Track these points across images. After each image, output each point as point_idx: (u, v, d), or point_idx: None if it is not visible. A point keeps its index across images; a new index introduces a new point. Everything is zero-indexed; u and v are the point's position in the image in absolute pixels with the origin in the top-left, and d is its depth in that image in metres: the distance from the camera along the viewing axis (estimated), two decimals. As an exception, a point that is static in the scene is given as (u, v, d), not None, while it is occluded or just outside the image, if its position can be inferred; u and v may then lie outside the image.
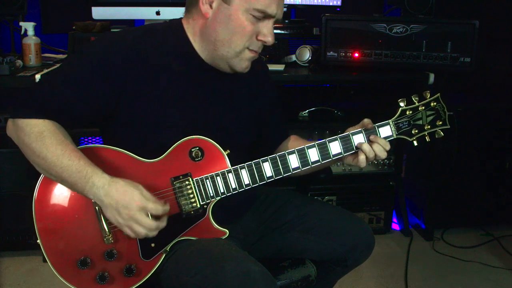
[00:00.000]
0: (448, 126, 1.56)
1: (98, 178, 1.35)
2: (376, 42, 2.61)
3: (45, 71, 2.46)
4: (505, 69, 3.05)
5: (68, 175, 1.36)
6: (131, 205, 1.33)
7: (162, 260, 1.45)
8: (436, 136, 1.55)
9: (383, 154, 1.51)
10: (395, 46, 2.59)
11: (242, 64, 1.48)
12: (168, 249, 1.45)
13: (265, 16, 1.42)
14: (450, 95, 2.92)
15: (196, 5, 1.46)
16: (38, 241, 1.43)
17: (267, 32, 1.44)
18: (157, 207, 1.35)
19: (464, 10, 2.98)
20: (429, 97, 1.54)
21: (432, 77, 2.68)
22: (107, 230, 1.41)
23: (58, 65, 2.64)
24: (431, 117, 1.55)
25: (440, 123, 1.55)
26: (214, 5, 1.42)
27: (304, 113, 2.93)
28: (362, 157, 1.50)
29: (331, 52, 2.63)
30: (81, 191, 1.38)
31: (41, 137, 1.36)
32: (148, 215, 1.35)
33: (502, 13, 3.07)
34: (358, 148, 1.51)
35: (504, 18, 3.07)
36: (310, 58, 2.72)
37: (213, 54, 1.47)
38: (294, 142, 1.76)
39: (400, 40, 2.59)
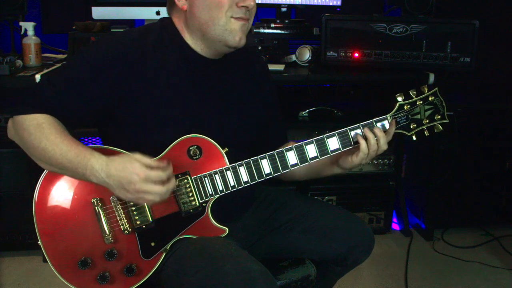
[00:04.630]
0: (447, 120, 1.56)
1: (96, 160, 1.35)
2: (376, 42, 2.61)
3: (45, 71, 2.46)
4: (505, 69, 3.05)
5: (68, 161, 1.36)
6: (133, 179, 1.32)
7: (163, 259, 1.46)
8: (435, 131, 1.55)
9: (383, 141, 1.50)
10: (395, 46, 2.59)
11: (235, 36, 1.47)
12: (168, 248, 1.45)
13: None
14: (450, 95, 2.92)
15: (173, 3, 1.49)
16: (39, 242, 1.43)
17: None
18: (159, 174, 1.34)
19: (464, 10, 2.98)
20: (427, 92, 1.55)
21: (432, 77, 2.67)
22: (107, 230, 1.42)
23: (58, 65, 2.65)
24: (429, 112, 1.55)
25: (439, 117, 1.55)
26: None
27: (304, 113, 2.93)
28: (362, 143, 1.49)
29: (331, 52, 2.63)
30: (82, 177, 1.38)
31: (40, 128, 1.37)
32: (156, 182, 1.34)
33: (502, 13, 3.07)
34: (357, 140, 1.50)
35: (504, 18, 3.07)
36: (310, 58, 2.72)
37: (205, 40, 1.49)
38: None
39: (400, 40, 2.59)
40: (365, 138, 1.50)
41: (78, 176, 1.40)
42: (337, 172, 1.62)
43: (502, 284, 2.60)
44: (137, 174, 1.32)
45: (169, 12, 1.55)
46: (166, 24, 1.54)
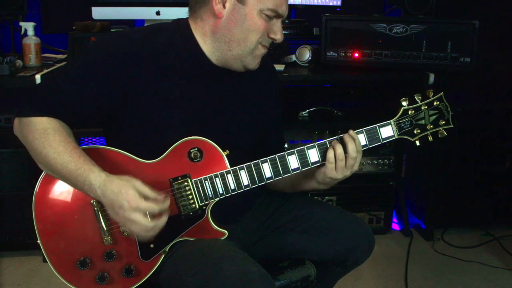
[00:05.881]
0: (452, 126, 1.54)
1: (95, 177, 1.34)
2: (376, 42, 2.60)
3: (45, 71, 2.46)
4: (505, 69, 3.05)
5: (68, 172, 1.36)
6: (123, 205, 1.31)
7: (161, 261, 1.46)
8: (439, 136, 1.54)
9: (353, 153, 1.46)
10: (395, 46, 2.59)
11: (255, 60, 1.50)
12: (167, 250, 1.45)
13: (276, 15, 1.46)
14: (450, 95, 2.92)
15: (205, 5, 1.45)
16: (38, 241, 1.44)
17: (277, 30, 1.48)
18: (151, 206, 1.33)
19: (464, 10, 2.98)
20: (432, 96, 1.53)
21: (432, 77, 2.67)
22: (106, 231, 1.42)
23: (58, 65, 2.64)
24: (434, 117, 1.53)
25: (443, 122, 1.54)
26: (227, 5, 1.43)
27: (304, 113, 2.93)
28: (327, 160, 1.47)
29: (331, 52, 2.63)
30: (81, 189, 1.39)
31: (45, 134, 1.37)
32: (146, 215, 1.33)
33: (502, 13, 3.07)
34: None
35: (504, 18, 3.07)
36: (310, 58, 2.71)
37: (227, 54, 1.48)
38: None
39: (400, 40, 2.59)
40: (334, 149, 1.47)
41: (77, 188, 1.41)
42: (316, 187, 1.58)
43: (502, 284, 2.60)
44: (128, 202, 1.31)
45: (193, 11, 1.50)
46: (181, 26, 1.51)
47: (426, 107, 1.53)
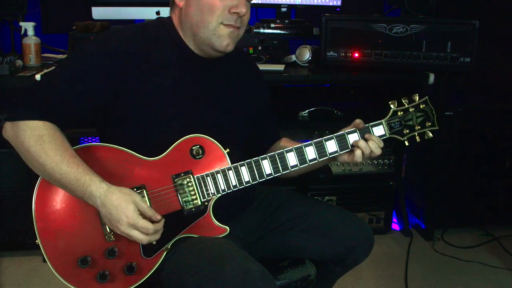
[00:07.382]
0: (437, 128, 1.61)
1: (96, 188, 1.35)
2: (376, 42, 2.61)
3: (45, 71, 2.46)
4: (505, 69, 3.05)
5: (67, 182, 1.36)
6: (121, 219, 1.33)
7: (163, 259, 1.45)
8: (426, 137, 1.61)
9: (378, 151, 1.54)
10: (395, 46, 2.59)
11: (222, 41, 1.49)
12: (169, 247, 1.45)
13: None
14: (450, 95, 2.93)
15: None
16: (37, 241, 1.41)
17: (238, 2, 1.46)
18: (148, 226, 1.35)
19: (464, 10, 2.98)
20: (418, 100, 1.60)
21: (432, 77, 2.68)
22: (108, 228, 1.41)
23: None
24: (420, 119, 1.60)
25: (429, 124, 1.61)
26: None
27: (304, 113, 2.93)
28: (358, 152, 1.53)
29: (331, 52, 2.64)
30: (80, 198, 1.38)
31: (41, 141, 1.36)
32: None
33: (502, 13, 3.07)
34: (354, 146, 1.54)
35: (504, 18, 3.07)
36: (310, 58, 2.72)
37: (195, 40, 1.51)
38: (286, 144, 1.76)
39: (400, 40, 2.59)
40: (358, 146, 1.54)
41: (75, 196, 1.40)
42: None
43: (502, 284, 2.60)
44: (126, 217, 1.33)
45: (171, 5, 1.57)
46: (163, 22, 1.56)
47: (413, 109, 1.59)
